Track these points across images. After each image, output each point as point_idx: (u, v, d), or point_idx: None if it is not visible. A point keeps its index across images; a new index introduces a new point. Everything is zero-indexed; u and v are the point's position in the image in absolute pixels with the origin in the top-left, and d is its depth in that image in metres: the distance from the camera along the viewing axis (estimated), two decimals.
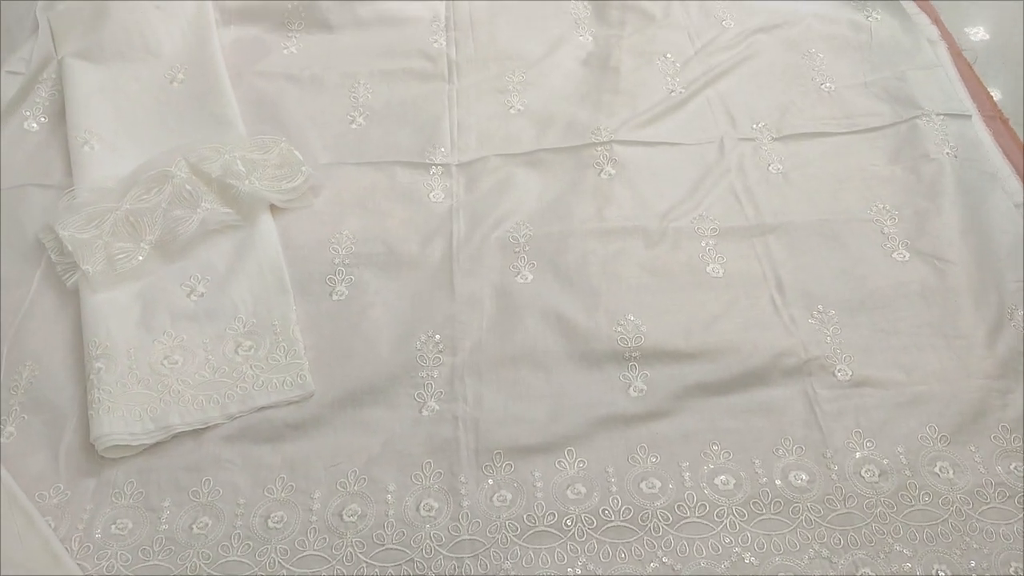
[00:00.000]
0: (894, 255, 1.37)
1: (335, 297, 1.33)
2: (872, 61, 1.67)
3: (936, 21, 1.73)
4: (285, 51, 1.72)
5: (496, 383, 1.23)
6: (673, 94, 1.62)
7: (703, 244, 1.39)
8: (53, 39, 1.68)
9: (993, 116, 1.54)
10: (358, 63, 1.69)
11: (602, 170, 1.49)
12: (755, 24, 1.74)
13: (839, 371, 1.23)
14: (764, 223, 1.41)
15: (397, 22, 1.77)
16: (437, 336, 1.28)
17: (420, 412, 1.20)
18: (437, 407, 1.20)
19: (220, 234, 1.40)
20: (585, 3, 1.81)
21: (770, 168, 1.50)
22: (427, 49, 1.72)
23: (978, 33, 2.01)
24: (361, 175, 1.50)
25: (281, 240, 1.40)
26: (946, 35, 1.71)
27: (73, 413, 1.19)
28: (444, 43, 1.73)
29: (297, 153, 1.48)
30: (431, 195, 1.47)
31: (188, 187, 1.41)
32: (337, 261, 1.37)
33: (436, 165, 1.51)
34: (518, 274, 1.36)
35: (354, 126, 1.59)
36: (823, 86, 1.63)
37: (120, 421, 1.15)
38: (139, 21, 1.68)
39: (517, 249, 1.39)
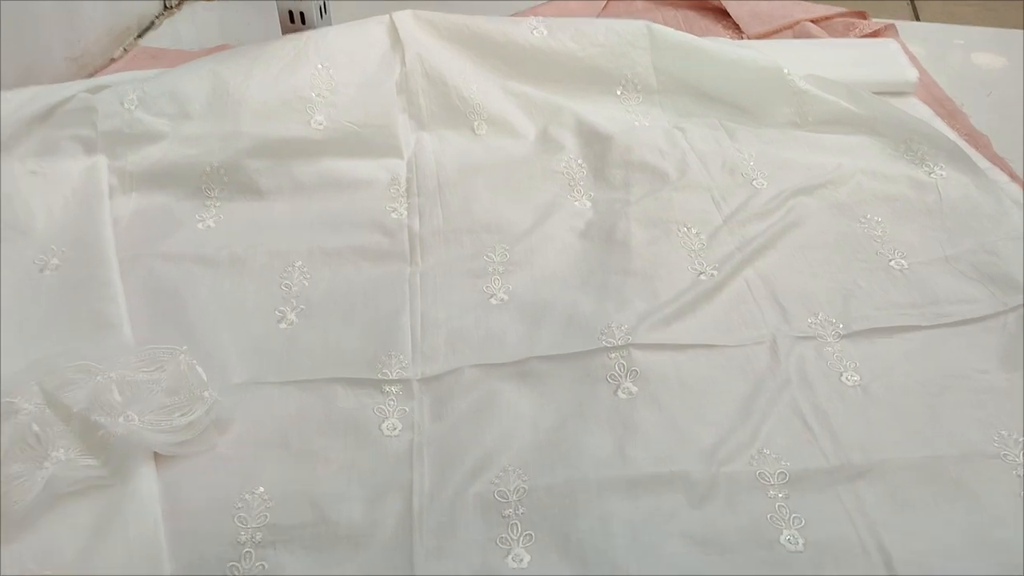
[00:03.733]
0: None
1: None
2: (948, 229, 1.32)
3: (1014, 177, 1.40)
4: (200, 225, 1.34)
5: None
6: (702, 277, 1.25)
7: (770, 497, 0.98)
8: None
9: None
10: (294, 239, 1.31)
11: (619, 386, 1.09)
12: (794, 184, 1.40)
13: None
14: (850, 463, 1.01)
15: (345, 187, 1.40)
16: None
17: None
18: None
19: (75, 499, 0.96)
20: (579, 161, 1.46)
21: (843, 378, 1.11)
22: (383, 220, 1.34)
23: None
24: (287, 399, 1.08)
25: (165, 505, 0.97)
26: None
27: None
28: (405, 212, 1.36)
29: (200, 370, 1.07)
30: (384, 426, 1.06)
31: (36, 427, 0.98)
32: (244, 538, 0.94)
33: (392, 382, 1.10)
34: (508, 554, 0.93)
35: (283, 325, 1.19)
36: (892, 263, 1.27)
37: None
38: (8, 190, 1.30)
39: (506, 512, 0.97)
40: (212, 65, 1.48)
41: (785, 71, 1.55)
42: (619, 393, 1.08)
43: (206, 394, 1.05)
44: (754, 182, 1.41)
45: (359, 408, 1.08)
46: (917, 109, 1.60)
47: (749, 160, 1.45)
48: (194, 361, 1.08)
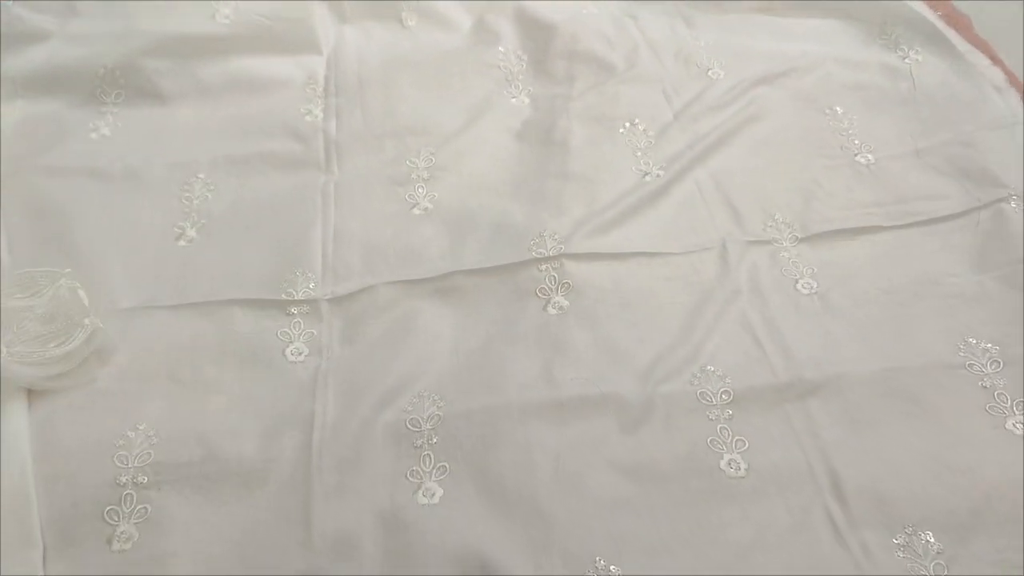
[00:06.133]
0: (1007, 425, 0.87)
1: (116, 546, 0.80)
2: (922, 120, 1.19)
3: (996, 61, 1.27)
4: (93, 134, 1.20)
5: None
6: (647, 178, 1.12)
7: (711, 419, 0.88)
8: None
9: None
10: (197, 149, 1.17)
11: (549, 301, 0.98)
12: (754, 73, 1.26)
13: None
14: (802, 379, 0.91)
15: (257, 88, 1.26)
16: None
17: None
18: None
19: None
20: (519, 53, 1.32)
21: (799, 286, 1.00)
22: (296, 124, 1.20)
23: None
24: (178, 325, 0.97)
25: (36, 446, 0.86)
26: (1014, 79, 1.24)
27: None
28: (321, 115, 1.22)
29: (82, 295, 0.96)
30: (288, 351, 0.95)
31: None
32: (124, 479, 0.84)
33: (298, 303, 0.99)
34: (419, 488, 0.84)
35: (181, 243, 1.07)
36: (858, 157, 1.15)
37: None
38: None
39: (418, 442, 0.87)
40: None
41: None
42: (549, 309, 0.98)
43: (87, 321, 0.93)
44: (710, 72, 1.27)
45: (259, 333, 0.97)
46: None
47: (705, 49, 1.31)
48: (77, 285, 0.97)
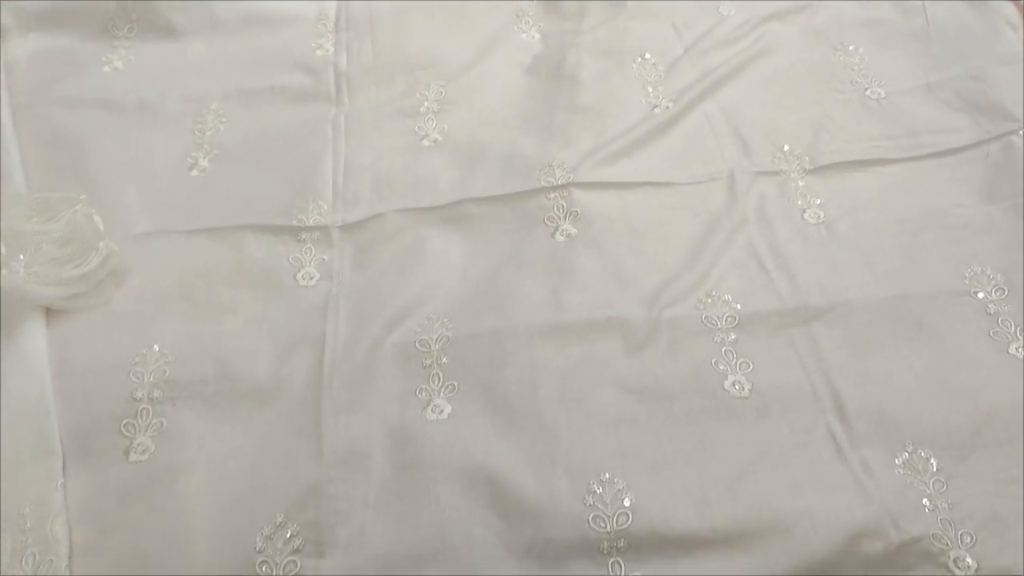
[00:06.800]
0: (1010, 349, 0.88)
1: (133, 457, 0.83)
2: (934, 55, 1.18)
3: None
4: (107, 67, 1.21)
5: None
6: (657, 111, 1.12)
7: (716, 342, 0.90)
8: None
9: None
10: (210, 82, 1.18)
11: (557, 229, 0.99)
12: (765, 9, 1.25)
13: (956, 562, 0.75)
14: (807, 304, 0.92)
15: (270, 24, 1.26)
16: (292, 525, 0.78)
17: None
18: None
19: None
20: None
21: (806, 216, 1.01)
22: (308, 59, 1.21)
23: None
24: (193, 249, 0.99)
25: (54, 363, 0.89)
26: None
27: None
28: (332, 49, 1.22)
29: (97, 219, 0.97)
30: (300, 276, 0.97)
31: None
32: (140, 395, 0.86)
33: (309, 229, 1.00)
34: (428, 404, 0.86)
35: (194, 173, 1.08)
36: (868, 92, 1.14)
37: None
38: None
39: (427, 362, 0.89)
40: None
41: None
42: (557, 236, 0.99)
43: (101, 244, 0.95)
44: (720, 8, 1.26)
45: (272, 257, 0.98)
46: None
47: None
48: (92, 210, 0.98)
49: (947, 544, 0.76)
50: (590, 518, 0.77)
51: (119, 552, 0.77)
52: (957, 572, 0.74)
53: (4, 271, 0.90)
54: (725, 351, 0.89)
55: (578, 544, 0.76)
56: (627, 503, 0.78)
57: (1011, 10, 1.23)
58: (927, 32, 1.21)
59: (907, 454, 0.81)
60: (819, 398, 0.85)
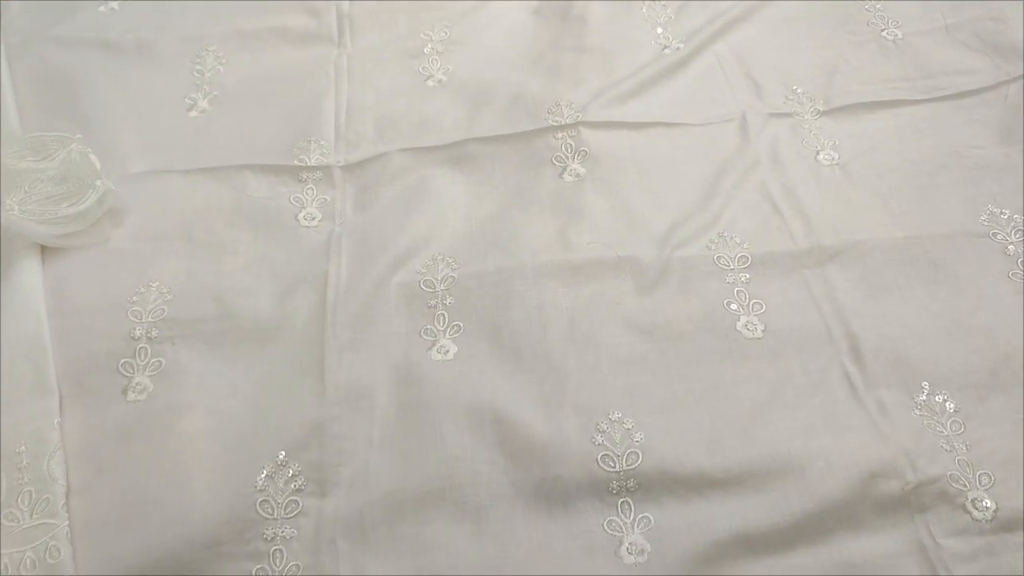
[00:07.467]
0: None
1: (131, 396, 0.81)
2: None
3: None
4: (103, 7, 1.18)
5: (391, 547, 0.72)
6: (667, 51, 1.09)
7: (728, 283, 0.87)
8: None
9: None
10: (208, 22, 1.15)
11: (565, 168, 0.97)
12: None
13: (974, 503, 0.73)
14: (821, 245, 0.90)
15: None
16: (295, 464, 0.76)
17: None
18: None
19: None
20: None
21: (820, 157, 0.98)
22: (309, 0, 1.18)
23: None
24: (192, 189, 0.96)
25: (51, 302, 0.87)
26: None
27: None
28: None
29: (93, 158, 0.95)
30: (301, 216, 0.94)
31: None
32: (138, 333, 0.84)
33: (310, 169, 0.98)
34: (433, 345, 0.84)
35: (193, 114, 1.05)
36: (884, 33, 1.11)
37: None
38: None
39: (432, 302, 0.87)
40: None
41: None
42: (565, 176, 0.96)
43: (98, 183, 0.93)
44: None
45: (273, 197, 0.96)
46: None
47: None
48: (88, 149, 0.96)
49: (965, 485, 0.74)
50: (599, 457, 0.75)
51: (117, 491, 0.75)
52: (975, 513, 0.72)
53: (2, 207, 0.88)
54: (737, 292, 0.87)
55: (587, 483, 0.75)
56: (638, 441, 0.76)
57: None
58: None
59: (924, 395, 0.79)
60: (834, 339, 0.83)
